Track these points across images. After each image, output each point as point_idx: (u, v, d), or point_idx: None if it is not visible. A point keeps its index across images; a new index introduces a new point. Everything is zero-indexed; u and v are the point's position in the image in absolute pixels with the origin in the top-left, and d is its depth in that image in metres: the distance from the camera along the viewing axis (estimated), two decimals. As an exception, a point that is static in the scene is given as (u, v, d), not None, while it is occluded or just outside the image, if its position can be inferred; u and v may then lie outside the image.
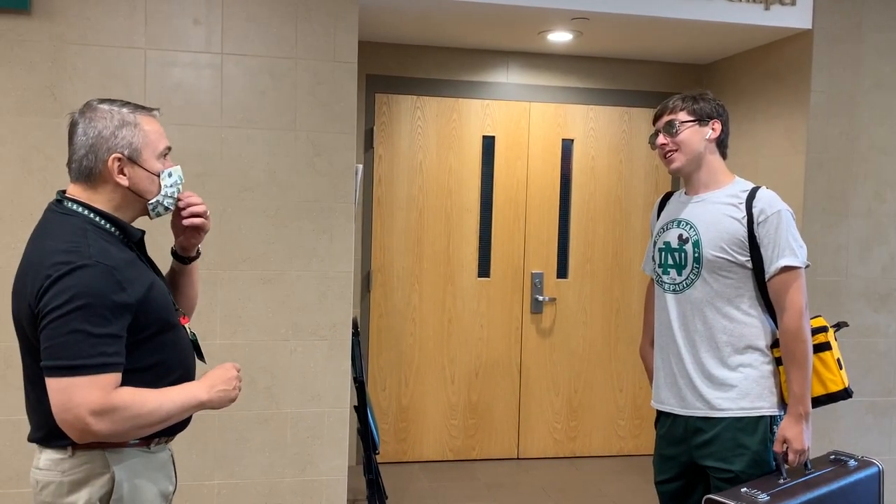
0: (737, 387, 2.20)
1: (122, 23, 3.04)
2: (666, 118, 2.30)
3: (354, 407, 3.61)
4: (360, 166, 3.40)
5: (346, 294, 3.26)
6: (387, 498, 3.75)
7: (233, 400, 1.71)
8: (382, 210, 4.35)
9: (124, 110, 1.65)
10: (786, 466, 2.17)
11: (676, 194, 2.43)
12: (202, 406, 1.66)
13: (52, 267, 1.51)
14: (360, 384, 3.44)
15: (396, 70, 4.29)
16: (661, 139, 2.30)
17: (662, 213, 2.44)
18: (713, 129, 2.28)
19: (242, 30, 3.13)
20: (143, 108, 1.69)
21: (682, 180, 2.39)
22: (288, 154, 3.19)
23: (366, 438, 3.44)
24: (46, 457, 1.62)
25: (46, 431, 1.60)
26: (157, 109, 1.74)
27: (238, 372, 1.75)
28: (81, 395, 1.48)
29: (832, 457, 2.32)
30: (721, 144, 2.31)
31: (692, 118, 2.27)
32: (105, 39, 3.03)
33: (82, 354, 1.48)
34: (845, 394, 2.25)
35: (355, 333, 3.43)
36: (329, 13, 3.19)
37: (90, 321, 1.49)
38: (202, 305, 3.13)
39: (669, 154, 2.29)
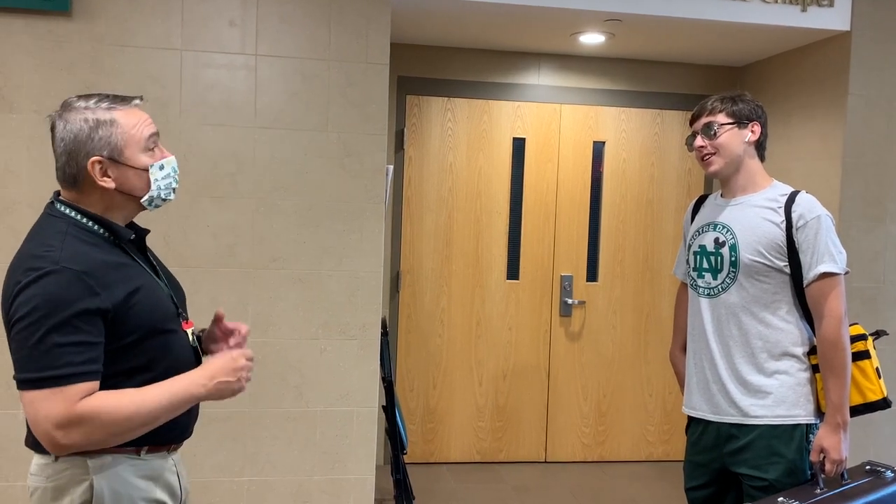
0: (772, 394, 2.16)
1: (160, 24, 3.09)
2: (704, 120, 2.25)
3: (383, 407, 3.62)
4: (391, 167, 3.41)
5: (376, 294, 3.28)
6: (414, 498, 3.75)
7: (237, 392, 1.59)
8: (412, 211, 4.37)
9: (101, 106, 1.54)
10: (822, 476, 2.12)
11: (712, 197, 2.39)
12: (196, 400, 1.55)
13: (21, 273, 1.46)
14: (388, 384, 3.46)
15: (427, 72, 4.31)
16: (699, 141, 2.26)
17: (697, 216, 2.40)
18: (752, 131, 2.23)
19: (276, 32, 3.17)
20: (121, 99, 1.58)
21: (719, 183, 2.35)
22: (319, 155, 3.22)
23: (394, 438, 3.45)
24: (35, 462, 1.57)
25: (35, 437, 1.54)
26: (139, 97, 1.62)
27: (248, 360, 1.60)
28: (45, 409, 1.41)
29: (867, 467, 2.26)
30: (760, 147, 2.27)
31: (731, 120, 2.22)
32: (143, 41, 3.08)
33: (47, 366, 1.41)
34: (884, 403, 2.20)
35: (384, 333, 3.45)
36: (361, 15, 3.21)
37: (56, 330, 1.41)
38: (233, 304, 3.17)
39: (707, 157, 2.25)
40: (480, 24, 3.79)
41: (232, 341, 1.80)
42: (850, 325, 2.24)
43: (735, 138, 2.22)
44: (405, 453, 3.51)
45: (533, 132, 4.44)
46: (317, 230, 3.23)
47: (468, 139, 4.39)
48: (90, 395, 1.45)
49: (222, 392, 1.57)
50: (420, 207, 4.37)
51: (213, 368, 1.56)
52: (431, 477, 4.27)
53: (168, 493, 1.63)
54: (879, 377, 2.20)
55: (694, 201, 2.48)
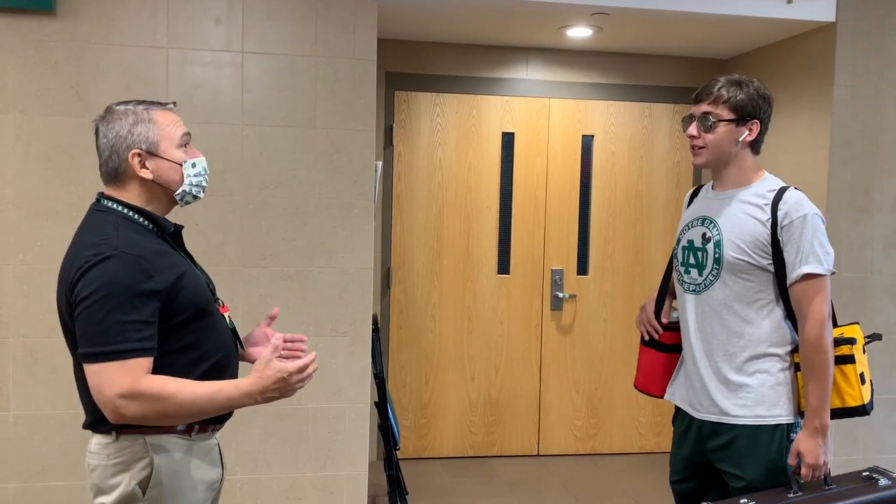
0: (752, 393, 2.12)
1: (145, 22, 3.07)
2: (705, 107, 2.15)
3: (375, 403, 3.62)
4: (380, 163, 3.41)
5: (366, 291, 3.28)
6: (407, 493, 3.76)
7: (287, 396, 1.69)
8: (402, 207, 4.36)
9: (139, 108, 1.74)
10: (798, 480, 2.06)
11: (705, 188, 2.33)
12: (243, 406, 1.67)
13: (83, 259, 1.60)
14: (380, 380, 3.46)
15: (415, 67, 4.30)
16: (692, 130, 2.17)
17: (689, 210, 2.35)
18: (750, 129, 2.14)
19: (263, 28, 3.16)
20: (157, 103, 1.77)
21: (711, 172, 2.29)
22: (308, 151, 3.21)
23: (386, 434, 3.46)
24: (95, 441, 1.70)
25: (94, 418, 1.68)
26: (173, 103, 1.81)
27: (301, 372, 1.64)
28: (111, 380, 1.56)
29: (865, 473, 2.17)
30: (755, 143, 2.18)
31: (732, 116, 2.12)
32: (128, 39, 3.06)
33: (110, 341, 1.56)
34: (863, 410, 2.11)
35: (375, 330, 3.45)
36: (348, 11, 3.20)
37: (117, 309, 1.56)
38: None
39: (696, 148, 2.19)
40: (468, 19, 3.79)
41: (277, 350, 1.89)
42: (849, 325, 2.18)
43: (729, 136, 2.14)
44: (398, 449, 3.51)
45: (522, 127, 4.44)
46: (306, 227, 3.23)
47: (457, 134, 4.39)
48: (150, 371, 1.60)
49: (269, 401, 1.67)
50: (410, 203, 4.37)
51: (265, 384, 1.63)
52: (424, 472, 4.27)
53: (213, 471, 1.78)
54: (863, 383, 2.12)
55: (691, 192, 2.41)
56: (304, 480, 3.27)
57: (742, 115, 2.13)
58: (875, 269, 3.69)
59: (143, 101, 1.76)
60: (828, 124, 3.64)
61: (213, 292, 1.83)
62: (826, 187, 3.62)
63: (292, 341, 1.97)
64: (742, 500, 1.98)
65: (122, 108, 1.74)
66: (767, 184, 2.17)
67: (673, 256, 2.37)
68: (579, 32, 3.97)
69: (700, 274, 2.21)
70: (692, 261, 2.24)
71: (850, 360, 2.11)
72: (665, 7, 3.50)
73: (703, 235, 2.20)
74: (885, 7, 3.62)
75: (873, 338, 2.26)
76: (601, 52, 4.45)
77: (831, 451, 2.12)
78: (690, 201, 2.39)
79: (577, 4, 3.47)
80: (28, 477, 3.08)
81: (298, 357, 1.86)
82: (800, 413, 2.13)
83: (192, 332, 1.69)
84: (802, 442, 2.06)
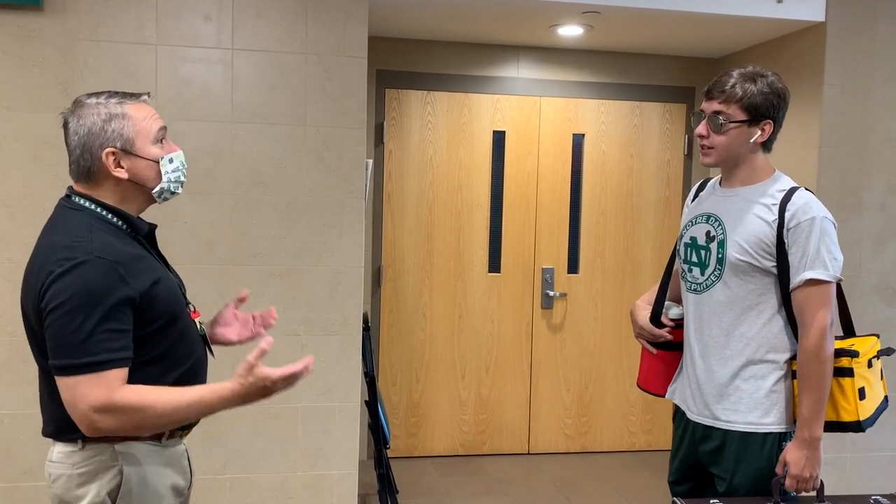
0: (745, 399, 2.07)
1: (134, 19, 3.05)
2: (717, 105, 2.05)
3: (365, 402, 3.62)
4: (370, 161, 3.40)
5: (357, 289, 3.27)
6: (397, 492, 3.76)
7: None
8: (392, 205, 4.36)
9: (112, 101, 1.61)
10: (791, 492, 2.01)
11: (712, 183, 2.25)
12: (223, 410, 1.59)
13: (54, 263, 1.51)
14: (370, 379, 3.45)
15: (406, 65, 4.29)
16: (701, 129, 2.07)
17: (693, 204, 2.27)
18: (763, 130, 2.05)
19: (253, 25, 3.14)
20: (130, 95, 1.66)
21: (720, 169, 2.20)
22: (298, 149, 3.20)
23: (376, 433, 3.45)
24: (58, 450, 1.63)
25: (57, 426, 1.62)
26: (147, 94, 1.70)
27: (293, 377, 1.57)
28: (85, 393, 1.47)
29: (876, 497, 2.07)
30: (767, 142, 2.09)
31: (744, 117, 2.03)
32: (117, 35, 3.04)
33: (86, 352, 1.47)
34: (857, 426, 2.03)
35: (366, 328, 3.44)
36: (339, 8, 3.19)
37: (92, 318, 1.47)
38: (213, 301, 3.14)
39: (705, 148, 2.09)
40: (459, 17, 3.79)
41: (248, 332, 1.94)
42: (866, 336, 2.11)
43: (740, 137, 2.05)
44: (388, 448, 3.51)
45: (513, 125, 4.44)
46: (296, 225, 3.21)
47: (448, 133, 4.39)
48: (128, 383, 1.52)
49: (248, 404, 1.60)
50: (401, 202, 4.36)
51: (248, 390, 1.55)
52: (415, 471, 4.27)
53: (182, 478, 1.72)
54: (862, 398, 2.03)
55: (698, 184, 2.34)
56: (294, 479, 3.26)
57: (755, 116, 2.04)
58: (864, 268, 3.71)
59: (116, 93, 1.64)
60: (817, 123, 3.65)
61: (184, 296, 1.75)
62: (815, 186, 3.63)
63: (263, 319, 1.96)
64: (712, 501, 1.95)
65: (93, 101, 1.61)
66: (778, 183, 2.08)
67: (675, 252, 2.30)
68: (570, 31, 3.98)
69: (702, 273, 2.13)
70: (694, 259, 2.16)
71: (848, 373, 2.02)
72: (656, 6, 3.50)
73: (708, 234, 2.13)
74: (873, 7, 3.64)
75: (884, 352, 2.14)
76: (592, 51, 4.45)
77: (821, 463, 2.03)
78: (696, 195, 2.31)
79: (568, 3, 3.47)
80: (15, 477, 3.06)
81: (261, 333, 1.84)
82: (794, 422, 2.06)
83: (163, 341, 1.61)
84: (790, 452, 2.00)
